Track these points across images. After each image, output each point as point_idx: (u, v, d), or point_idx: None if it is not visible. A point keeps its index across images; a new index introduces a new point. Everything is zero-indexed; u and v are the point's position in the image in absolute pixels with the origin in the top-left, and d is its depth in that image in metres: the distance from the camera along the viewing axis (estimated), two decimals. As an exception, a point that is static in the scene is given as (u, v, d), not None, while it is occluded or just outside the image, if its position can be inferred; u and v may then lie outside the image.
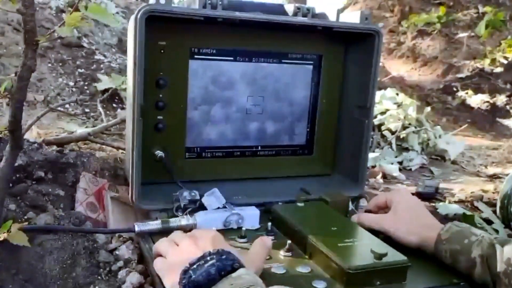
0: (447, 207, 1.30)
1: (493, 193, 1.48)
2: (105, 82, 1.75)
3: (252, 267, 0.68)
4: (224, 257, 0.62)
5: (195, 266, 0.61)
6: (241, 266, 0.62)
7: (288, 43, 1.11)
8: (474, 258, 0.77)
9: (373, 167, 1.62)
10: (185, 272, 0.61)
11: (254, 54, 1.09)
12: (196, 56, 1.04)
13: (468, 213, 1.27)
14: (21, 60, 0.63)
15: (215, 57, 1.05)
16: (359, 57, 1.12)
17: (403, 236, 0.87)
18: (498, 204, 1.31)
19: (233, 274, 0.60)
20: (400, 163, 1.74)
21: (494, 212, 1.33)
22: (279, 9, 1.07)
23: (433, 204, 1.34)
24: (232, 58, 1.07)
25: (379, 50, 1.07)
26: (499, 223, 1.27)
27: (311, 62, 1.14)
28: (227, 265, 0.61)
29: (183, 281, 0.60)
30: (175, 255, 0.73)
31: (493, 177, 1.75)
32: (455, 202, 1.39)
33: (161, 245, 0.78)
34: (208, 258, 0.62)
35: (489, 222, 1.27)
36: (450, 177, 1.69)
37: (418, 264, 0.82)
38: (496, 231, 1.23)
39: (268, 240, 0.77)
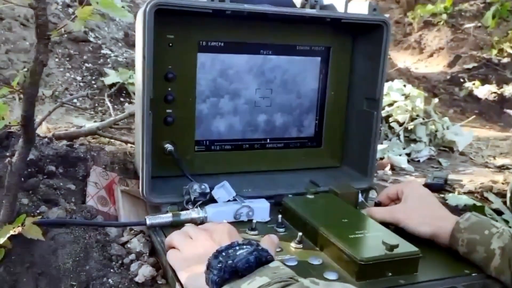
0: (456, 198, 1.30)
1: (503, 183, 1.47)
2: (112, 77, 1.75)
3: None
4: (260, 248, 0.62)
5: (224, 254, 0.61)
6: (273, 259, 0.62)
7: (296, 35, 1.11)
8: (494, 249, 0.77)
9: (381, 158, 1.62)
10: (215, 257, 0.61)
11: (262, 46, 1.09)
12: (204, 49, 1.03)
13: (478, 204, 1.26)
14: (29, 55, 0.63)
15: (223, 50, 1.05)
16: (367, 49, 1.12)
17: (415, 227, 0.87)
18: (508, 195, 1.31)
19: (271, 265, 0.61)
20: (408, 154, 1.73)
21: (504, 203, 1.32)
22: (287, 1, 1.07)
23: (443, 196, 1.34)
24: (240, 51, 1.07)
25: (387, 41, 1.07)
26: (509, 213, 1.27)
27: (319, 54, 1.14)
28: (263, 256, 0.61)
29: (219, 265, 0.60)
30: (190, 248, 0.74)
31: (502, 168, 1.74)
32: (464, 193, 1.39)
33: (174, 238, 0.78)
34: (237, 247, 0.62)
35: (498, 213, 1.27)
36: (459, 168, 1.68)
37: (430, 255, 0.82)
38: (507, 221, 1.23)
39: (275, 237, 0.77)
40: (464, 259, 0.82)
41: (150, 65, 0.90)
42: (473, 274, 0.80)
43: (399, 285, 0.75)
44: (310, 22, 1.09)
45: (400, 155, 1.66)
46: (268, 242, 0.75)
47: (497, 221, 1.11)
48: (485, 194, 1.37)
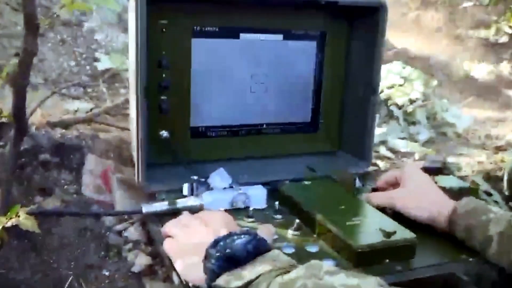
0: (446, 180, 1.29)
1: (502, 162, 1.47)
2: (105, 62, 1.72)
3: None
4: (258, 237, 0.62)
5: (222, 243, 0.61)
6: (271, 248, 0.62)
7: (292, 20, 1.09)
8: (491, 235, 0.77)
9: (381, 142, 1.60)
10: (213, 246, 0.61)
11: (257, 31, 1.07)
12: (198, 35, 1.02)
13: (468, 185, 1.26)
14: (21, 40, 0.62)
15: (218, 35, 1.03)
16: (363, 33, 1.10)
17: (413, 212, 0.87)
18: (505, 177, 1.31)
19: (270, 253, 0.61)
20: (407, 138, 1.72)
21: (502, 184, 1.33)
22: (282, -15, 1.05)
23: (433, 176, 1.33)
24: (235, 36, 1.05)
25: (384, 24, 1.05)
26: (497, 195, 1.27)
27: (315, 39, 1.12)
28: (261, 245, 0.61)
29: (217, 254, 0.60)
30: (186, 237, 0.73)
31: (499, 149, 1.73)
32: (461, 176, 1.38)
33: (170, 227, 0.77)
34: (235, 237, 0.61)
35: (488, 194, 1.27)
36: (457, 150, 1.68)
37: (427, 241, 0.82)
38: (496, 202, 1.23)
39: (271, 227, 0.77)
40: (461, 245, 0.82)
41: (144, 51, 0.88)
42: (470, 259, 0.80)
43: (396, 272, 0.75)
44: (305, 7, 1.07)
45: (399, 138, 1.65)
46: (265, 231, 0.74)
47: (486, 200, 1.11)
48: (472, 177, 1.36)
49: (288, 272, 0.57)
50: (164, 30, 0.98)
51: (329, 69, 1.15)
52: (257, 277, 0.57)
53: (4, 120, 0.92)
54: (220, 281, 0.59)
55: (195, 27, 1.01)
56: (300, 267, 0.57)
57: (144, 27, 0.87)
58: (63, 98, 1.50)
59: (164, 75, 1.00)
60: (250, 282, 0.57)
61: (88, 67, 1.73)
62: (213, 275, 0.60)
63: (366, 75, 1.09)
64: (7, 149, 0.75)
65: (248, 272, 0.58)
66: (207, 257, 0.61)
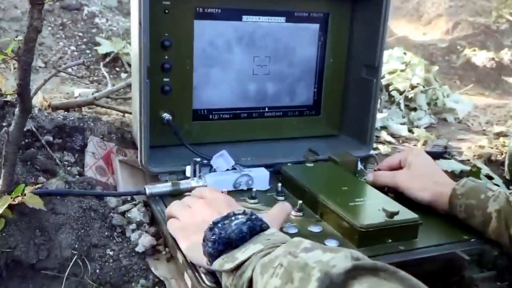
0: (447, 163, 1.30)
1: (503, 147, 1.47)
2: (105, 46, 1.72)
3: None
4: (254, 217, 0.62)
5: (220, 225, 0.61)
6: (268, 227, 0.62)
7: (294, 2, 1.08)
8: (490, 213, 0.77)
9: (382, 127, 1.60)
10: (211, 229, 0.61)
11: (260, 13, 1.06)
12: (201, 16, 1.01)
13: (470, 168, 1.27)
14: (21, 24, 0.62)
15: (220, 17, 1.03)
16: (367, 15, 1.10)
17: (416, 192, 0.88)
18: (506, 162, 1.31)
19: (266, 232, 0.61)
20: (408, 123, 1.73)
21: (502, 169, 1.33)
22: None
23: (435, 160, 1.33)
24: (238, 18, 1.05)
25: (387, 6, 1.05)
26: (498, 178, 1.28)
27: (318, 21, 1.12)
28: (257, 225, 0.61)
29: (212, 237, 0.60)
30: (189, 217, 0.74)
31: (500, 135, 1.74)
32: (462, 160, 1.39)
33: (174, 207, 0.78)
34: (233, 217, 0.61)
35: (489, 178, 1.28)
36: (458, 136, 1.68)
37: (429, 222, 0.83)
38: (497, 185, 1.24)
39: (288, 206, 0.77)
40: (462, 225, 0.82)
41: (147, 32, 0.88)
42: (472, 240, 0.80)
43: (399, 251, 0.75)
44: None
45: (400, 124, 1.66)
46: (280, 209, 0.75)
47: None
48: (472, 161, 1.37)
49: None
50: (167, 11, 0.98)
51: (332, 51, 1.14)
52: (249, 257, 0.57)
53: (8, 98, 0.92)
54: (216, 264, 0.59)
55: (197, 9, 1.00)
56: (282, 245, 0.57)
57: (146, 8, 0.86)
58: (64, 81, 1.50)
59: (166, 57, 1.00)
60: (242, 263, 0.57)
61: (88, 51, 1.73)
62: (210, 258, 0.60)
63: (369, 58, 1.09)
64: (12, 128, 0.74)
65: (241, 253, 0.58)
66: (204, 240, 0.62)
